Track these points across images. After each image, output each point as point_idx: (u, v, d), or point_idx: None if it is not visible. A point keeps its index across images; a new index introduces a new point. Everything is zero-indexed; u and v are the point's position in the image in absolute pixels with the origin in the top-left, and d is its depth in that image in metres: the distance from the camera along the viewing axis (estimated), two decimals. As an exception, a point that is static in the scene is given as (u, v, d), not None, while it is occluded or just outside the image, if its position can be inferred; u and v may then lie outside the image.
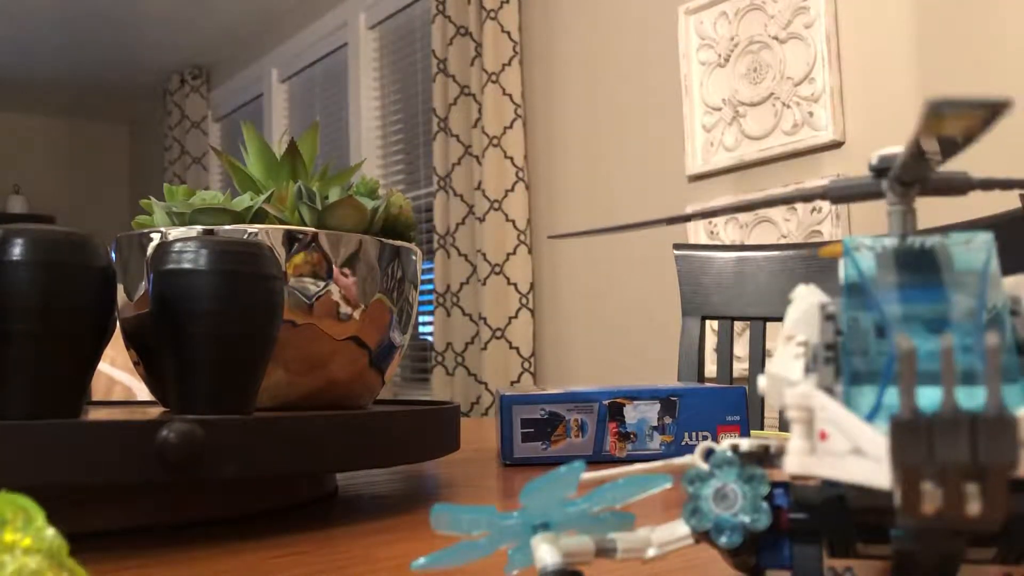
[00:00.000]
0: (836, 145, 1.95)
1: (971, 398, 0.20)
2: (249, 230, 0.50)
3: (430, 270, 3.06)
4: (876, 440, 0.20)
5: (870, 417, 0.21)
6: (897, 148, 0.24)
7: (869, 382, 0.22)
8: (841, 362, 0.23)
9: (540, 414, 0.66)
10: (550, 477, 0.23)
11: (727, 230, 2.15)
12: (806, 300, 0.24)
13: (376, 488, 0.57)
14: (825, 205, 1.93)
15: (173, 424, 0.36)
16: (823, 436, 0.21)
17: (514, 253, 2.69)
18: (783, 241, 2.02)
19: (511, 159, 2.71)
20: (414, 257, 0.58)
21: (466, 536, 0.24)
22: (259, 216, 0.53)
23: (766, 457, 0.24)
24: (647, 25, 2.40)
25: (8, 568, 0.19)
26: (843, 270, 0.24)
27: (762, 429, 1.22)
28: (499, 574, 0.25)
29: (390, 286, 0.55)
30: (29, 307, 0.37)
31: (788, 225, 2.03)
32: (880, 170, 0.25)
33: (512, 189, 2.70)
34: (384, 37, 3.60)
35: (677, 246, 1.40)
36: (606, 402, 0.66)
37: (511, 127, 2.72)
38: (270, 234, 0.50)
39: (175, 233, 0.50)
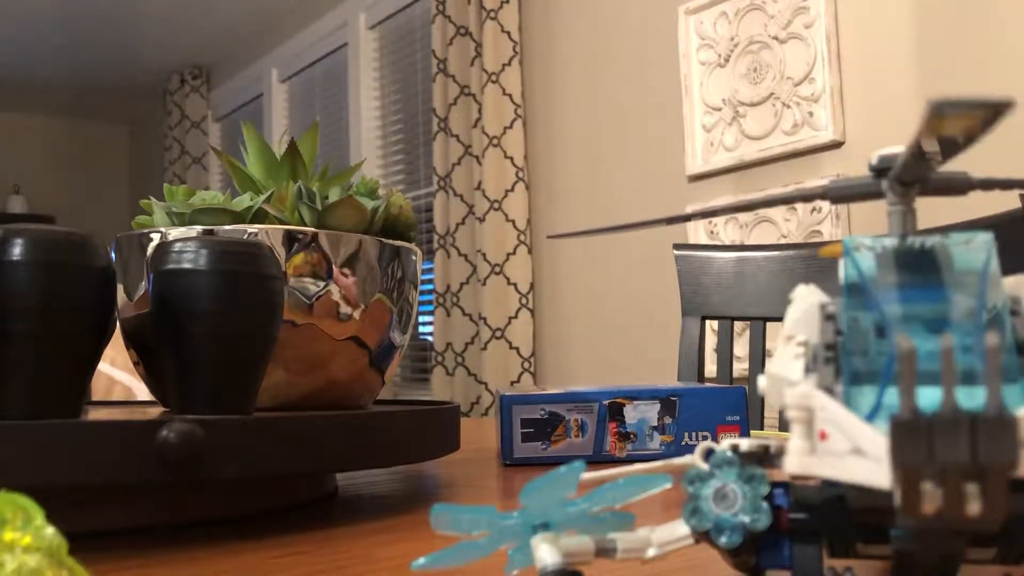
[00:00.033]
0: (836, 145, 1.95)
1: (971, 398, 0.20)
2: (249, 230, 0.50)
3: (430, 270, 3.06)
4: (876, 440, 0.20)
5: (870, 417, 0.21)
6: (897, 148, 0.24)
7: (869, 382, 0.22)
8: (841, 362, 0.23)
9: (540, 414, 0.66)
10: (550, 477, 0.23)
11: (727, 230, 2.15)
12: (806, 300, 0.24)
13: (376, 488, 0.57)
14: (825, 205, 1.93)
15: (173, 424, 0.36)
16: (823, 436, 0.21)
17: (514, 253, 2.69)
18: (783, 241, 2.02)
19: (511, 159, 2.71)
20: (414, 257, 0.58)
21: (466, 536, 0.24)
22: (259, 216, 0.53)
23: (766, 457, 0.24)
24: (647, 25, 2.40)
25: (8, 567, 0.19)
26: (843, 270, 0.24)
27: (762, 429, 1.22)
28: (499, 574, 0.25)
29: (390, 286, 0.55)
30: (29, 307, 0.37)
31: (788, 225, 2.03)
32: (880, 170, 0.25)
33: (512, 189, 2.70)
34: (384, 37, 3.60)
35: (677, 246, 1.40)
36: (606, 402, 0.66)
37: (511, 127, 2.72)
38: (270, 234, 0.50)
39: (175, 233, 0.50)
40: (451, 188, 2.86)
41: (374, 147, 3.61)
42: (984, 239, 0.23)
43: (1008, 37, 1.67)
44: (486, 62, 2.73)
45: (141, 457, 0.35)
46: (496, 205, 2.70)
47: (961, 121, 0.20)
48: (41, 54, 4.59)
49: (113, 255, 0.52)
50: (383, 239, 0.54)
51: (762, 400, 1.23)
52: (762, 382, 0.24)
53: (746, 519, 0.23)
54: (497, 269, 2.69)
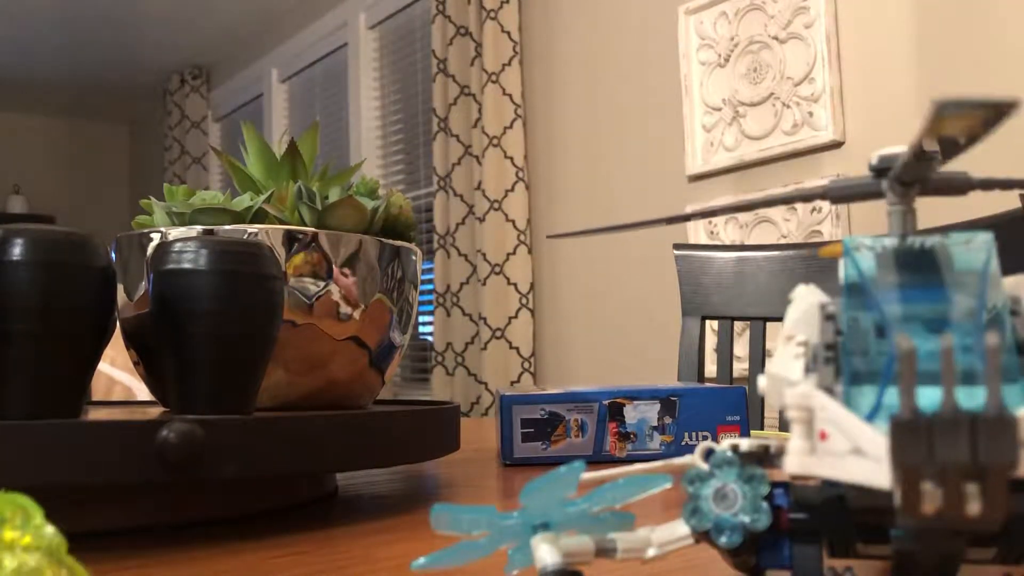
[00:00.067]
0: (836, 145, 1.95)
1: (971, 398, 0.20)
2: (249, 230, 0.50)
3: (430, 270, 3.06)
4: (876, 440, 0.20)
5: (870, 417, 0.21)
6: (897, 148, 0.24)
7: (869, 382, 0.22)
8: (841, 362, 0.23)
9: (540, 414, 0.66)
10: (550, 477, 0.23)
11: (727, 230, 2.15)
12: (806, 300, 0.24)
13: (376, 488, 0.57)
14: (825, 205, 1.93)
15: (173, 424, 0.36)
16: (823, 436, 0.21)
17: (514, 253, 2.69)
18: (783, 241, 2.03)
19: (511, 159, 2.71)
20: (414, 257, 0.58)
21: (466, 536, 0.24)
22: (259, 216, 0.53)
23: (766, 457, 0.24)
24: (647, 25, 2.40)
25: (8, 566, 0.19)
26: (843, 270, 0.24)
27: (762, 429, 1.22)
28: (499, 574, 0.25)
29: (390, 286, 0.55)
30: (29, 307, 0.37)
31: (788, 225, 2.03)
32: (880, 170, 0.25)
33: (512, 189, 2.70)
34: (384, 37, 3.60)
35: (677, 246, 1.40)
36: (606, 402, 0.66)
37: (511, 127, 2.72)
38: (270, 234, 0.50)
39: (175, 233, 0.50)
40: (451, 188, 2.86)
41: (374, 147, 3.61)
42: (984, 239, 0.23)
43: (1008, 37, 1.67)
44: (486, 62, 2.73)
45: (141, 457, 0.35)
46: (496, 205, 2.70)
47: (965, 121, 0.20)
48: (41, 54, 4.59)
49: (113, 255, 0.52)
50: (383, 239, 0.54)
51: (762, 400, 1.23)
52: (762, 382, 0.24)
53: (746, 519, 0.23)
54: (497, 269, 2.69)
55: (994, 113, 0.19)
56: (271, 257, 0.43)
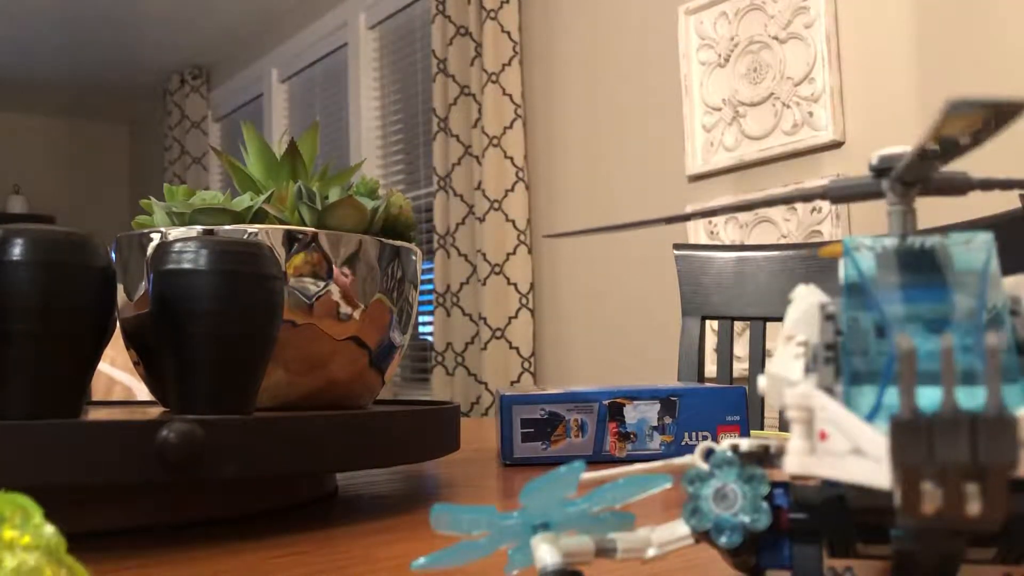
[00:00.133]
0: (836, 145, 1.95)
1: (971, 398, 0.20)
2: (249, 230, 0.50)
3: (430, 270, 3.06)
4: (876, 440, 0.20)
5: (870, 417, 0.21)
6: (897, 148, 0.24)
7: (869, 382, 0.22)
8: (841, 362, 0.23)
9: (540, 414, 0.66)
10: (550, 477, 0.23)
11: (727, 230, 2.15)
12: (806, 300, 0.24)
13: (376, 488, 0.57)
14: (825, 205, 1.93)
15: (173, 424, 0.36)
16: (823, 436, 0.21)
17: (514, 253, 2.69)
18: (783, 241, 2.03)
19: (511, 159, 2.71)
20: (414, 257, 0.58)
21: (466, 536, 0.24)
22: (259, 216, 0.53)
23: (766, 457, 0.24)
24: (647, 25, 2.40)
25: (7, 565, 0.19)
26: (843, 270, 0.24)
27: (762, 429, 1.22)
28: (499, 574, 0.25)
29: (390, 286, 0.55)
30: (29, 307, 0.37)
31: (788, 225, 2.03)
32: (880, 170, 0.25)
33: (512, 189, 2.70)
34: (384, 37, 3.60)
35: (677, 246, 1.40)
36: (606, 402, 0.66)
37: (511, 127, 2.72)
38: (270, 234, 0.50)
39: (175, 233, 0.50)
40: (451, 188, 2.86)
41: (374, 147, 3.61)
42: (984, 239, 0.23)
43: (1008, 37, 1.67)
44: (486, 62, 2.73)
45: (141, 457, 0.35)
46: (496, 205, 2.70)
47: (974, 121, 0.20)
48: (41, 54, 4.59)
49: (113, 255, 0.52)
50: (383, 239, 0.54)
51: (762, 400, 1.23)
52: (762, 382, 0.24)
53: (746, 519, 0.23)
54: (497, 269, 2.69)
55: (1005, 113, 0.19)
56: (271, 257, 0.43)
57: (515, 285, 2.69)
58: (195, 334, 0.41)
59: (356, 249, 0.52)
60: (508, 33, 2.75)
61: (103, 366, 1.10)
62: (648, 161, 2.40)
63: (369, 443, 0.44)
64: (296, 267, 0.50)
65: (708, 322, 1.57)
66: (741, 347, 1.99)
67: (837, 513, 0.23)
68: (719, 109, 2.18)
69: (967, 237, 0.23)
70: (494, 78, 2.72)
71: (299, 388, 0.53)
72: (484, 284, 2.71)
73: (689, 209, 2.18)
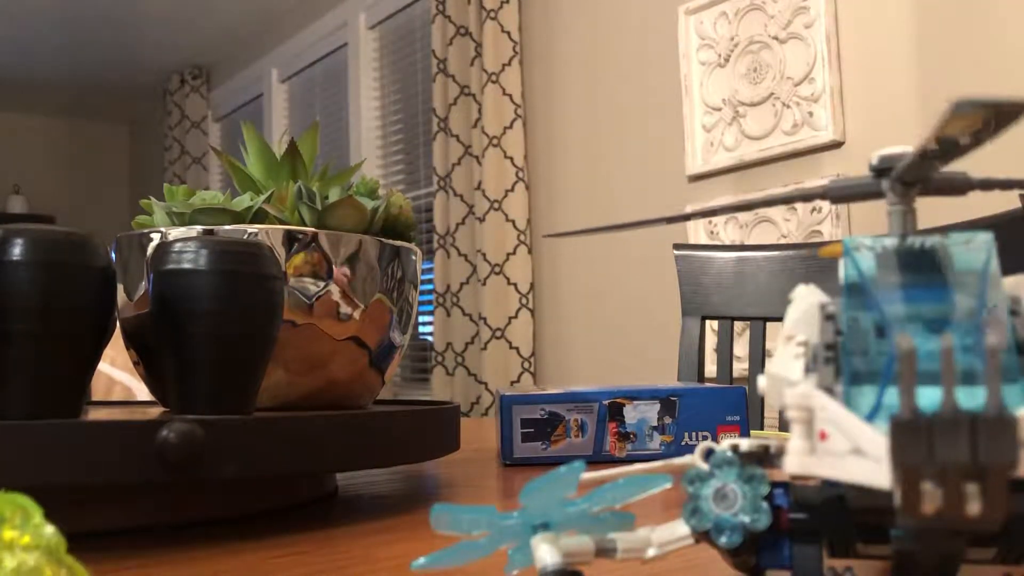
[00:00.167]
0: (836, 145, 1.95)
1: (971, 398, 0.20)
2: (249, 230, 0.50)
3: (430, 270, 3.06)
4: (876, 440, 0.20)
5: (870, 417, 0.21)
6: (897, 148, 0.24)
7: (869, 382, 0.22)
8: (841, 362, 0.23)
9: (540, 414, 0.66)
10: (550, 477, 0.23)
11: (727, 230, 2.15)
12: (806, 300, 0.24)
13: (376, 488, 0.57)
14: (825, 205, 1.93)
15: (173, 424, 0.36)
16: (823, 436, 0.21)
17: (514, 253, 2.69)
18: (783, 241, 2.03)
19: (511, 159, 2.71)
20: (414, 257, 0.58)
21: (466, 536, 0.24)
22: (259, 216, 0.53)
23: (766, 457, 0.24)
24: (647, 25, 2.40)
25: (7, 565, 0.19)
26: (843, 270, 0.24)
27: (762, 429, 1.22)
28: (499, 574, 0.25)
29: (390, 286, 0.55)
30: (29, 307, 0.37)
31: (788, 225, 2.03)
32: (880, 170, 0.25)
33: (512, 189, 2.70)
34: (384, 37, 3.60)
35: (677, 246, 1.40)
36: (606, 402, 0.66)
37: (511, 127, 2.72)
38: (270, 234, 0.50)
39: (175, 233, 0.50)
40: (451, 188, 2.86)
41: (374, 147, 3.61)
42: (984, 239, 0.23)
43: (1008, 37, 1.67)
44: (486, 62, 2.73)
45: (141, 457, 0.35)
46: (496, 205, 2.70)
47: (974, 121, 0.20)
48: (41, 54, 4.59)
49: (113, 255, 0.52)
50: (383, 239, 0.54)
51: (762, 400, 1.23)
52: (762, 382, 0.24)
53: (746, 519, 0.23)
54: (497, 269, 2.69)
55: (1008, 113, 0.19)
56: (271, 257, 0.43)
57: (515, 285, 2.69)
58: (195, 334, 0.41)
59: (356, 249, 0.52)
60: (508, 33, 2.75)
61: (103, 366, 1.10)
62: (648, 161, 2.40)
63: (369, 443, 0.44)
64: (296, 267, 0.50)
65: (708, 322, 1.57)
66: (741, 347, 1.99)
67: (837, 513, 0.23)
68: (719, 109, 2.18)
69: (967, 237, 0.23)
70: (494, 78, 2.72)
71: (299, 388, 0.53)
72: (484, 284, 2.71)
73: (689, 209, 2.18)
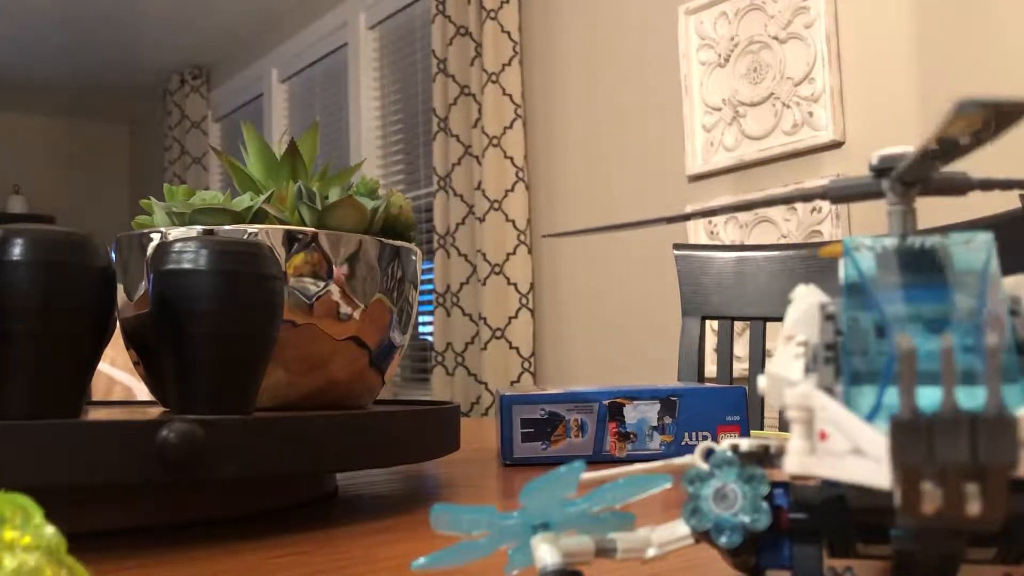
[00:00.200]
0: (836, 145, 1.95)
1: (971, 398, 0.20)
2: (249, 230, 0.50)
3: (430, 270, 3.06)
4: (876, 440, 0.20)
5: (870, 417, 0.21)
6: (897, 148, 0.24)
7: (869, 382, 0.22)
8: (841, 362, 0.23)
9: (540, 414, 0.66)
10: (550, 477, 0.23)
11: (727, 230, 2.15)
12: (806, 300, 0.24)
13: (376, 488, 0.57)
14: (825, 205, 1.93)
15: (173, 424, 0.36)
16: (823, 436, 0.21)
17: (514, 253, 2.69)
18: (783, 241, 2.02)
19: (511, 159, 2.71)
20: (414, 257, 0.58)
21: (466, 536, 0.24)
22: (259, 216, 0.53)
23: (766, 457, 0.24)
24: (647, 25, 2.40)
25: (8, 565, 0.19)
26: (843, 270, 0.24)
27: (762, 429, 1.22)
28: (499, 574, 0.25)
29: (390, 286, 0.55)
30: (29, 307, 0.37)
31: (788, 225, 2.03)
32: (880, 170, 0.25)
33: (512, 189, 2.70)
34: (384, 37, 3.60)
35: (677, 246, 1.40)
36: (606, 402, 0.66)
37: (511, 127, 2.72)
38: (270, 234, 0.50)
39: (175, 233, 0.50)
40: (451, 188, 2.86)
41: (374, 147, 3.61)
42: (984, 239, 0.23)
43: (1008, 37, 1.67)
44: (486, 62, 2.73)
45: (141, 457, 0.35)
46: (496, 205, 2.70)
47: (974, 121, 0.19)
48: (41, 54, 4.59)
49: (113, 255, 0.52)
50: (383, 239, 0.54)
51: (762, 400, 1.23)
52: (762, 382, 0.24)
53: (746, 519, 0.23)
54: (497, 269, 2.69)
55: (1010, 113, 0.19)
56: (271, 257, 0.43)
57: (515, 285, 2.69)
58: (195, 334, 0.41)
59: (356, 249, 0.52)
60: (508, 33, 2.75)
61: (103, 366, 1.10)
62: (648, 161, 2.40)
63: (369, 443, 0.44)
64: (296, 267, 0.50)
65: (708, 322, 1.57)
66: (741, 347, 1.99)
67: (837, 513, 0.23)
68: (719, 109, 2.18)
69: (967, 237, 0.23)
70: (494, 78, 2.72)
71: (299, 388, 0.53)
72: (484, 284, 2.71)
73: (689, 209, 2.18)
